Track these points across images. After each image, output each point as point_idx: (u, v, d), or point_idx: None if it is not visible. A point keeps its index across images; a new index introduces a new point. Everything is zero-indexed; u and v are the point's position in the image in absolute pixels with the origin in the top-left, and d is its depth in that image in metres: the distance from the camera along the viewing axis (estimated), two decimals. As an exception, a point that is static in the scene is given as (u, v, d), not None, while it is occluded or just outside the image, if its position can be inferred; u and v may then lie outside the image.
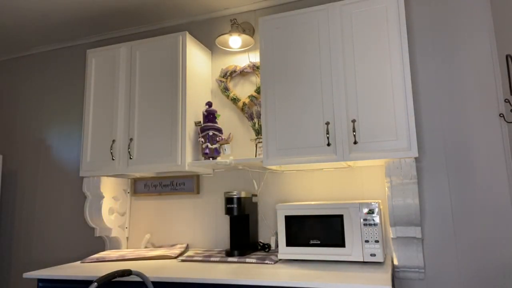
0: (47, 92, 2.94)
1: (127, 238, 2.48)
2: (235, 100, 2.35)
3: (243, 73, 2.38)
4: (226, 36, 2.27)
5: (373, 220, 1.67)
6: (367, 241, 1.66)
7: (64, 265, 1.93)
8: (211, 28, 2.52)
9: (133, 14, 2.52)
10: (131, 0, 2.34)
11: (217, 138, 2.14)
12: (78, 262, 2.01)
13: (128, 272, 1.40)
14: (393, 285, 1.36)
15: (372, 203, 1.69)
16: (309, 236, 1.76)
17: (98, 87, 2.33)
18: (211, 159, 2.12)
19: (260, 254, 1.95)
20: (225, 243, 2.26)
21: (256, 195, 2.19)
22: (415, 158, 1.81)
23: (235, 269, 1.63)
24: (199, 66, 2.32)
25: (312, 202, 1.85)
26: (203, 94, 2.34)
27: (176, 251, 2.12)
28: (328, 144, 1.76)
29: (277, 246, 2.08)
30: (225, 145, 2.14)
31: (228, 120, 2.38)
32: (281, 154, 1.85)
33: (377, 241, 1.64)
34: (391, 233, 1.82)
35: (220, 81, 2.41)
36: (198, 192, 2.36)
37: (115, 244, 2.42)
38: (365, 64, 1.77)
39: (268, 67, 1.96)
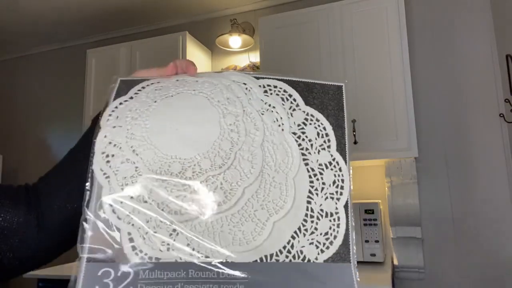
0: (47, 92, 2.94)
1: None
2: (235, 100, 2.35)
3: (243, 73, 2.38)
4: (226, 36, 2.27)
5: (373, 220, 1.67)
6: (367, 241, 1.66)
7: (64, 265, 1.93)
8: (211, 28, 2.52)
9: (133, 14, 2.52)
10: (131, 0, 2.34)
11: (217, 138, 2.14)
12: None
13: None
14: (393, 285, 1.36)
15: (372, 203, 1.69)
16: (309, 236, 1.76)
17: (98, 87, 2.33)
18: (211, 159, 2.12)
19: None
20: (225, 243, 2.26)
21: (256, 195, 2.19)
22: (415, 158, 1.81)
23: (235, 269, 1.63)
24: (199, 66, 2.32)
25: (312, 202, 1.85)
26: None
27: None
28: (328, 144, 1.76)
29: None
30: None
31: (228, 120, 2.38)
32: (281, 154, 1.85)
33: (377, 241, 1.64)
34: (391, 233, 1.82)
35: (220, 81, 2.41)
36: (198, 192, 2.36)
37: (115, 244, 2.42)
38: (365, 64, 1.77)
39: (268, 67, 1.96)
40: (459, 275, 1.79)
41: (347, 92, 0.49)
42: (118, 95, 0.44)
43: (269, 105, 0.45)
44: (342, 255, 0.40)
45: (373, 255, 1.64)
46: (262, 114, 0.45)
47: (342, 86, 0.49)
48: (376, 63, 1.75)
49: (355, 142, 1.71)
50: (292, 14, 1.95)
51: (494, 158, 1.80)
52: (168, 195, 0.37)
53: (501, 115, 1.80)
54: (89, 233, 0.35)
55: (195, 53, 2.27)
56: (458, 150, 1.87)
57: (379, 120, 1.70)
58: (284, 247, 0.38)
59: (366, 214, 1.68)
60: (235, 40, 2.30)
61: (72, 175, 0.46)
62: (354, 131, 1.72)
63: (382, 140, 1.68)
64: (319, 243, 0.40)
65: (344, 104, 0.48)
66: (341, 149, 0.46)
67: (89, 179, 0.38)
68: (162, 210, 0.36)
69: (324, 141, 0.45)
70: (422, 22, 2.02)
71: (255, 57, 2.37)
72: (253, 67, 2.33)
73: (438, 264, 1.83)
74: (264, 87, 0.47)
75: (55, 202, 0.44)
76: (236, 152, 0.41)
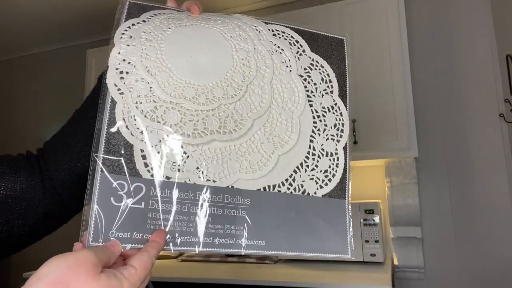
0: (47, 92, 2.94)
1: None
2: (235, 100, 2.35)
3: (243, 73, 2.38)
4: (226, 36, 2.27)
5: (373, 220, 1.67)
6: (367, 241, 1.66)
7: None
8: (211, 28, 2.52)
9: (133, 14, 2.51)
10: (131, 0, 2.34)
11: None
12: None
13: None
14: (393, 285, 1.36)
15: (372, 203, 1.69)
16: (309, 236, 1.76)
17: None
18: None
19: (260, 254, 1.95)
20: (225, 243, 2.26)
21: (256, 195, 2.19)
22: (415, 158, 1.81)
23: (235, 269, 1.63)
24: (199, 66, 2.32)
25: (312, 202, 1.85)
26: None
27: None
28: (328, 144, 1.76)
29: (277, 246, 2.08)
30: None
31: (228, 120, 2.37)
32: (281, 154, 1.84)
33: (377, 241, 1.64)
34: (391, 233, 1.82)
35: (220, 81, 2.41)
36: (198, 192, 2.36)
37: (115, 244, 2.42)
38: (364, 64, 1.77)
39: (268, 67, 1.95)
40: (459, 275, 1.79)
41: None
42: (129, 16, 0.46)
43: (278, 47, 0.47)
44: (338, 192, 0.43)
45: (373, 255, 1.64)
46: (272, 54, 0.46)
47: (343, 39, 0.52)
48: (376, 63, 1.75)
49: (355, 142, 1.71)
50: (291, 14, 1.94)
51: (494, 158, 1.80)
52: (181, 118, 0.38)
53: (501, 115, 1.80)
54: (102, 143, 0.36)
55: (195, 53, 2.27)
56: (458, 150, 1.87)
57: (379, 120, 1.70)
58: (287, 180, 0.41)
59: (366, 214, 1.68)
60: (235, 40, 2.30)
61: (80, 134, 0.46)
62: (354, 131, 1.72)
63: (382, 140, 1.68)
64: (319, 179, 0.42)
65: (346, 55, 0.51)
66: (342, 95, 0.49)
67: (101, 93, 0.39)
68: (175, 132, 0.38)
69: (328, 86, 0.48)
70: (422, 22, 2.02)
71: (255, 57, 2.36)
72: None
73: (438, 264, 1.83)
74: (273, 31, 0.49)
75: (65, 162, 0.45)
76: (247, 85, 0.42)
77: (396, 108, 1.68)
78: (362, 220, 1.68)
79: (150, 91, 0.39)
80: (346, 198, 0.43)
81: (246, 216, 0.37)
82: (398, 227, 1.79)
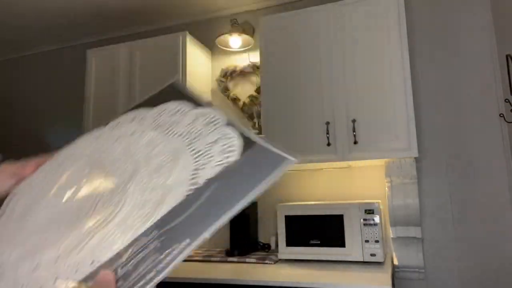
0: (47, 92, 2.94)
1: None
2: (235, 100, 2.35)
3: (243, 73, 2.38)
4: (226, 36, 2.27)
5: (373, 220, 1.67)
6: (367, 241, 1.66)
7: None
8: (211, 28, 2.52)
9: (133, 14, 2.52)
10: (131, 0, 2.34)
11: (217, 138, 2.14)
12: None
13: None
14: (393, 285, 1.36)
15: (372, 203, 1.69)
16: (309, 236, 1.76)
17: (98, 87, 2.33)
18: (211, 159, 2.11)
19: (260, 254, 1.96)
20: (225, 243, 2.26)
21: (256, 195, 2.18)
22: (415, 158, 1.81)
23: (235, 269, 1.63)
24: (199, 66, 2.32)
25: (312, 202, 1.85)
26: (203, 94, 2.33)
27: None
28: (328, 144, 1.76)
29: (277, 246, 2.08)
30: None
31: (228, 120, 2.37)
32: (281, 154, 1.84)
33: (377, 241, 1.64)
34: (391, 233, 1.82)
35: (220, 81, 2.41)
36: (198, 192, 2.36)
37: (115, 244, 2.42)
38: (365, 64, 1.77)
39: (268, 67, 1.96)
40: (459, 275, 1.79)
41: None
42: None
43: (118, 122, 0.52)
44: (247, 146, 0.38)
45: (373, 255, 1.64)
46: (116, 140, 0.50)
47: (173, 82, 0.54)
48: (376, 62, 1.75)
49: (355, 142, 1.71)
50: (292, 14, 1.95)
51: (494, 158, 1.80)
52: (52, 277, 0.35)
53: (501, 115, 1.80)
54: None
55: (195, 53, 2.27)
56: (458, 150, 1.87)
57: (379, 120, 1.70)
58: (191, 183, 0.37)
59: (366, 214, 1.68)
60: (235, 40, 2.30)
61: None
62: (354, 131, 1.72)
63: (382, 140, 1.68)
64: (221, 161, 0.38)
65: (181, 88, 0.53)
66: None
67: None
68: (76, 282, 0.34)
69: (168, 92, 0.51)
70: (422, 22, 2.02)
71: (255, 57, 2.37)
72: (253, 67, 2.33)
73: (438, 264, 1.83)
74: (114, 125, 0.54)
75: None
76: (97, 199, 0.40)
77: (396, 108, 1.68)
78: (362, 220, 1.68)
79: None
80: (256, 141, 0.39)
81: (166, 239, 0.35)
82: (398, 227, 1.79)
